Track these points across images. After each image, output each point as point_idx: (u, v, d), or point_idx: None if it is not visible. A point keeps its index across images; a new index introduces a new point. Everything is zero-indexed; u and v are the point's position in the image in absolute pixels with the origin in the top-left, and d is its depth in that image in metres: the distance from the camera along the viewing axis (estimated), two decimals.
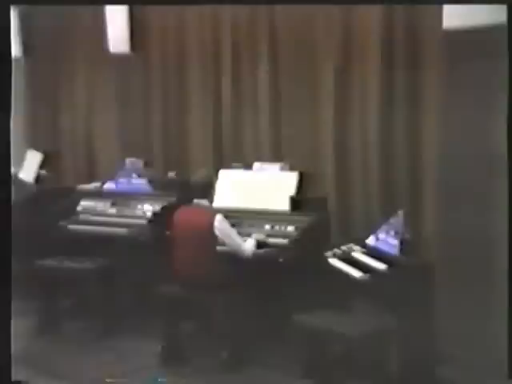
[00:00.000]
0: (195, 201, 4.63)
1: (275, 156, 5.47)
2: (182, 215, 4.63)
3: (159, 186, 5.57)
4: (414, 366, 4.02)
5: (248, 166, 5.24)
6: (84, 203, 5.64)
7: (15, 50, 6.32)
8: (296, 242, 4.66)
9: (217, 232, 4.49)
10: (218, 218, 4.51)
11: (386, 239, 4.29)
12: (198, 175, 4.74)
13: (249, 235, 4.70)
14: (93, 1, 5.79)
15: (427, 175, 4.77)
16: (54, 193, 5.86)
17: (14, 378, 3.31)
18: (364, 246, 4.45)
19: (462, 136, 4.38)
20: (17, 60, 6.32)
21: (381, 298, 4.05)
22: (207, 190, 4.67)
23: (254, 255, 4.59)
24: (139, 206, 5.46)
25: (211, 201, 4.86)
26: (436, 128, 4.64)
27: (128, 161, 5.77)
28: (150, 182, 5.61)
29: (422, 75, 4.70)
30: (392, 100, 4.86)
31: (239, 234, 4.64)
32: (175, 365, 4.59)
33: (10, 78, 3.37)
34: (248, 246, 4.59)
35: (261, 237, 4.70)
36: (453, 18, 4.17)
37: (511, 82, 3.55)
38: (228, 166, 5.37)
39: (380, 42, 4.87)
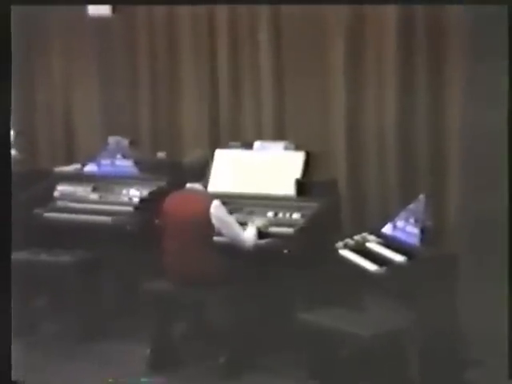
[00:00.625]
0: (188, 185, 4.64)
1: (278, 133, 5.46)
2: (173, 201, 4.64)
3: (147, 168, 5.58)
4: (436, 370, 4.04)
5: (248, 145, 5.25)
6: (62, 188, 5.65)
7: None
8: (302, 230, 4.67)
9: (213, 220, 4.50)
10: (215, 203, 4.52)
11: (404, 227, 4.31)
12: (191, 156, 4.74)
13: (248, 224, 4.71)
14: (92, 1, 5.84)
15: (451, 154, 4.79)
16: (28, 176, 5.84)
17: None
18: (380, 235, 4.47)
19: (488, 113, 4.40)
20: None
21: (399, 295, 4.06)
22: (202, 173, 4.67)
23: (255, 246, 4.59)
24: (124, 191, 5.48)
25: (206, 185, 4.86)
26: (460, 103, 4.64)
27: (111, 139, 5.77)
28: (137, 163, 5.62)
29: (445, 49, 4.71)
30: (412, 71, 4.86)
31: (237, 222, 4.64)
32: (166, 370, 4.62)
33: (10, 77, 3.65)
34: (249, 235, 4.60)
35: (262, 223, 4.70)
36: None
37: (511, 81, 3.93)
38: (225, 145, 5.37)
39: (398, 15, 4.86)
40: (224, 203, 4.61)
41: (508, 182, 4.14)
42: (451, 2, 4.55)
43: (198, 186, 4.64)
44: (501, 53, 4.12)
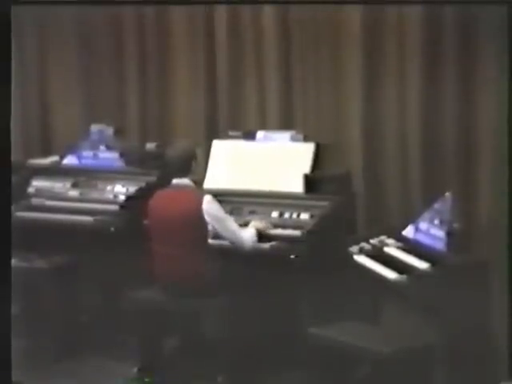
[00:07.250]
0: (174, 181, 4.66)
1: (285, 122, 5.47)
2: (160, 201, 4.67)
3: (135, 160, 5.61)
4: None
5: (250, 135, 5.27)
6: (37, 183, 5.68)
7: None
8: (312, 233, 4.69)
9: (207, 217, 4.54)
10: (207, 199, 4.56)
11: (428, 230, 4.32)
12: (174, 148, 4.76)
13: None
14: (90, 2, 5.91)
15: (483, 145, 4.76)
16: None
17: None
18: (400, 238, 4.48)
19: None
20: None
21: (422, 306, 4.08)
22: (188, 167, 4.67)
23: (258, 251, 4.63)
24: (109, 188, 5.51)
25: (196, 180, 4.84)
26: (495, 85, 4.64)
27: (94, 128, 5.79)
28: (123, 155, 5.65)
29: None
30: (438, 54, 4.87)
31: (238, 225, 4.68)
32: None
33: (10, 78, 3.84)
34: (247, 235, 4.63)
35: (262, 225, 4.74)
36: None
37: (511, 81, 4.21)
38: (224, 135, 5.40)
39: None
40: (222, 202, 4.64)
41: (508, 182, 4.19)
42: (453, 2, 4.69)
43: (186, 181, 4.67)
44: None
